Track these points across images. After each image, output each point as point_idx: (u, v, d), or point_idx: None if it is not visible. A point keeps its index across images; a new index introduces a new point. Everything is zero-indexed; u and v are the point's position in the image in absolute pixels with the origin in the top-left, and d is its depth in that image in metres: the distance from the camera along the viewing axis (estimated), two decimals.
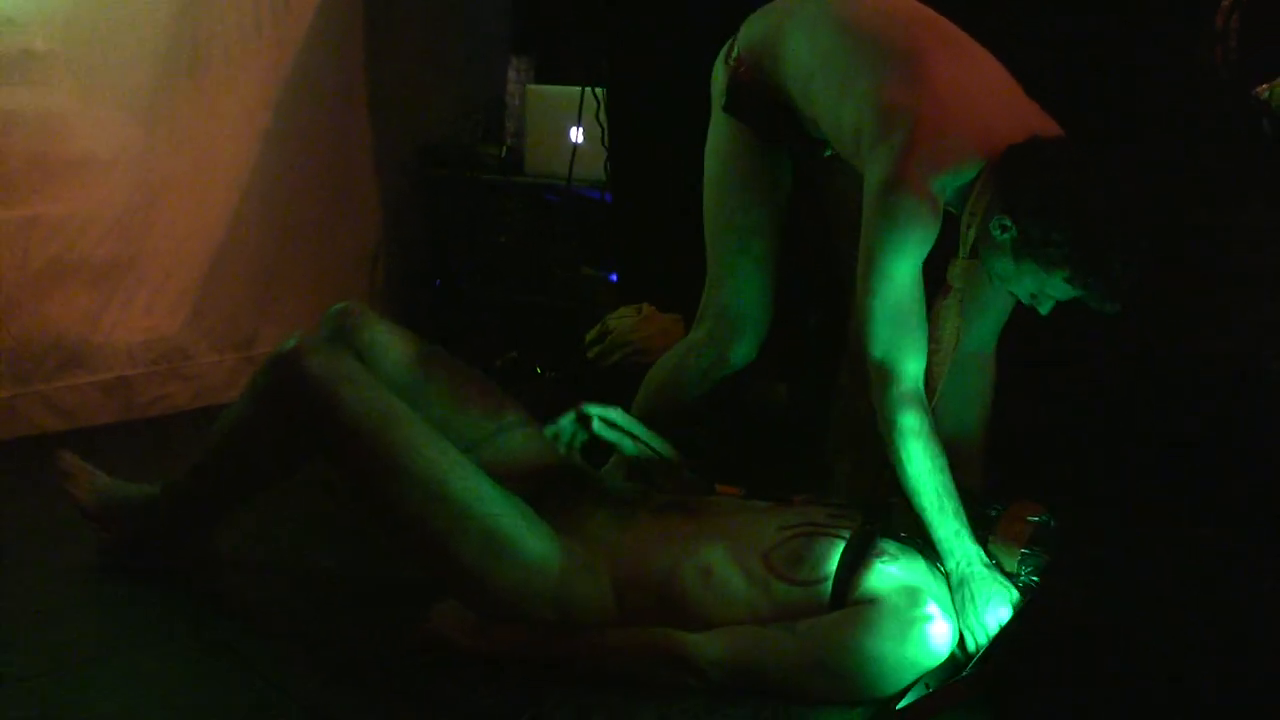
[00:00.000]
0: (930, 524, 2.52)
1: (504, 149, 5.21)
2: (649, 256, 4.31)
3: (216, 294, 4.32)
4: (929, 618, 2.38)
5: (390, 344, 2.81)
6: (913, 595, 2.42)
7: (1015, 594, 2.47)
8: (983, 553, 2.51)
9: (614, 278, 4.58)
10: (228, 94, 4.31)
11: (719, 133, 3.11)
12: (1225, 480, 3.09)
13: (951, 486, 2.53)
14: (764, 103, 2.96)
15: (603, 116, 4.57)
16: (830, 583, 2.46)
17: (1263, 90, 3.28)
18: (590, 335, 4.14)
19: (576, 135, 4.73)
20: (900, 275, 2.60)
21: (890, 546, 2.51)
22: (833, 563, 2.47)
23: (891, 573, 2.46)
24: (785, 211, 3.13)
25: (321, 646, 2.59)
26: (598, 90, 4.61)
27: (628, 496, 2.76)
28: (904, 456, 2.55)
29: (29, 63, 3.73)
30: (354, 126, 4.82)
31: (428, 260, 5.10)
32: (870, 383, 2.64)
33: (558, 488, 2.74)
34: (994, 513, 2.58)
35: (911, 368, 2.60)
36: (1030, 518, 2.56)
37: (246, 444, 2.69)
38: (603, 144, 4.58)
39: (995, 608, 2.45)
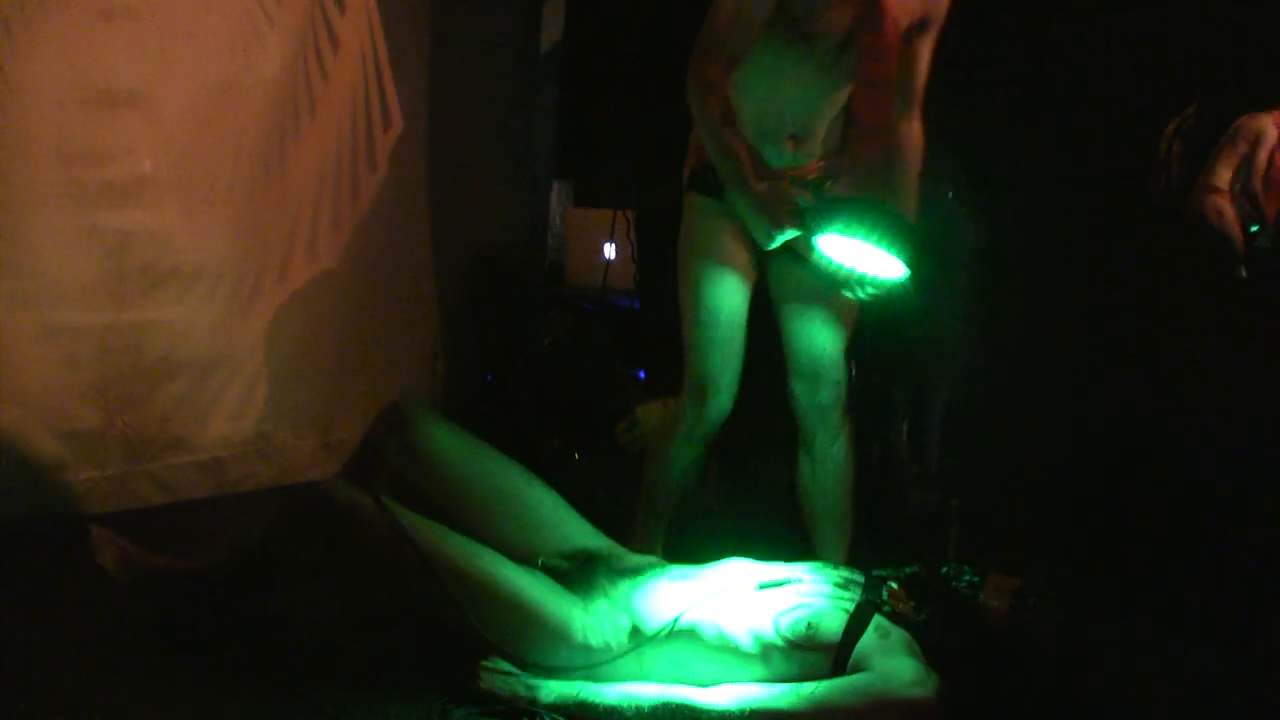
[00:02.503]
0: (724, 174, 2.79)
1: (547, 262, 5.27)
2: (673, 356, 4.34)
3: (298, 387, 4.35)
4: (917, 686, 2.38)
5: (438, 435, 2.86)
6: (904, 666, 2.42)
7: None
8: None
9: (642, 375, 4.60)
10: (311, 214, 4.34)
11: (686, 218, 3.11)
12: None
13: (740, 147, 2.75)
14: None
15: (632, 235, 4.63)
16: (834, 649, 2.47)
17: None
18: (621, 425, 4.16)
19: (610, 251, 4.79)
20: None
21: (885, 621, 2.51)
22: (837, 631, 2.48)
23: (887, 644, 2.46)
24: (751, 282, 3.09)
25: (379, 693, 2.58)
26: (628, 212, 4.68)
27: (647, 568, 2.75)
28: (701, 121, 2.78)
29: (143, 187, 3.75)
30: (418, 243, 4.86)
31: (481, 358, 5.11)
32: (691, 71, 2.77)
33: (587, 560, 2.76)
34: (965, 580, 2.59)
35: (719, 69, 2.74)
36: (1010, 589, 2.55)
37: (274, 554, 2.70)
38: (632, 259, 4.64)
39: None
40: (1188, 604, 2.96)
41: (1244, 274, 3.35)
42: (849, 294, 2.81)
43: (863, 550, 3.16)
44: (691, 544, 3.20)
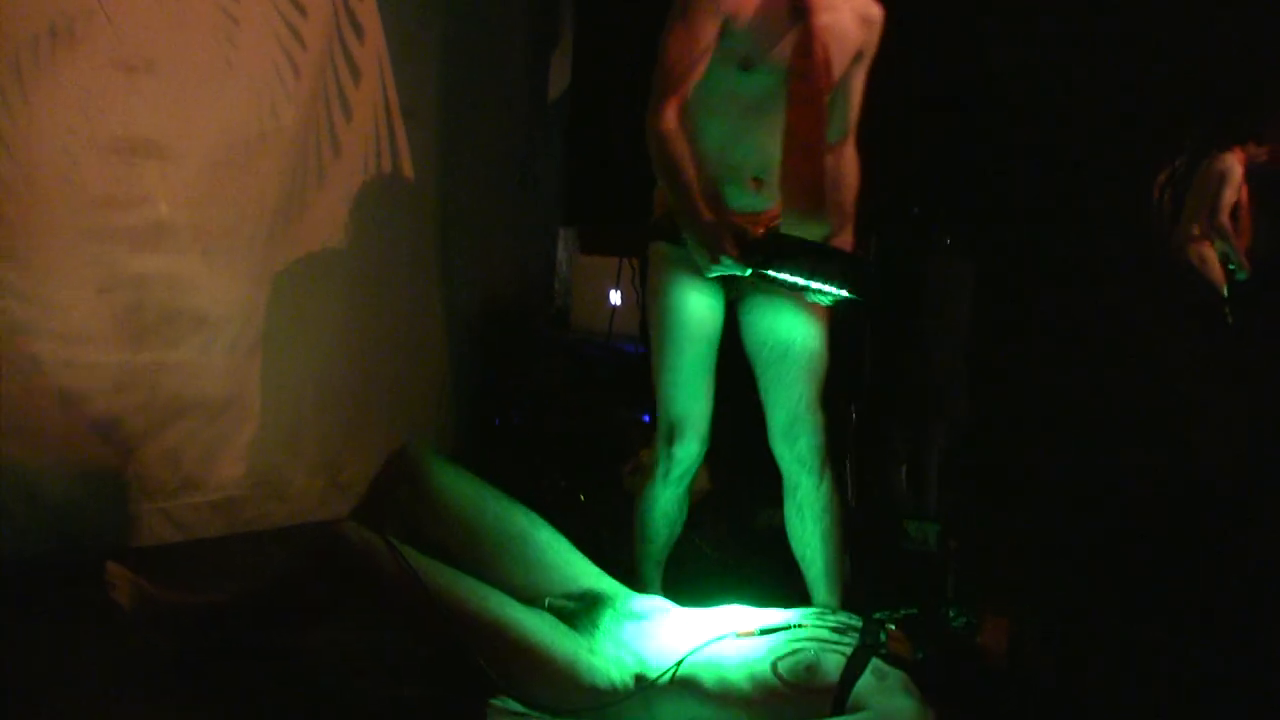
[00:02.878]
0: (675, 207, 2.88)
1: (553, 309, 5.29)
2: None
3: (309, 428, 4.38)
4: None
5: (445, 479, 2.88)
6: (902, 705, 2.45)
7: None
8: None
9: (646, 419, 4.61)
10: (323, 260, 4.36)
11: (651, 266, 3.18)
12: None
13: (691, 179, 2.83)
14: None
15: (637, 282, 4.66)
16: (833, 692, 2.48)
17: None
18: (626, 469, 4.17)
19: (615, 298, 4.81)
20: (697, 28, 2.82)
21: (881, 664, 2.53)
22: (834, 674, 2.51)
23: (885, 685, 2.48)
24: (716, 327, 3.13)
25: None
26: (633, 260, 4.71)
27: (651, 609, 2.79)
28: (655, 156, 2.84)
29: (160, 232, 3.78)
30: (428, 288, 4.89)
31: (488, 402, 5.10)
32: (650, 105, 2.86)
33: (593, 601, 2.79)
34: (962, 621, 2.61)
35: (669, 104, 2.83)
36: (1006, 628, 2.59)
37: (287, 592, 2.74)
38: (637, 305, 4.65)
39: None
40: (1187, 610, 2.97)
41: (1230, 319, 3.38)
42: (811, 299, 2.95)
43: (862, 591, 3.17)
44: (691, 588, 3.21)
